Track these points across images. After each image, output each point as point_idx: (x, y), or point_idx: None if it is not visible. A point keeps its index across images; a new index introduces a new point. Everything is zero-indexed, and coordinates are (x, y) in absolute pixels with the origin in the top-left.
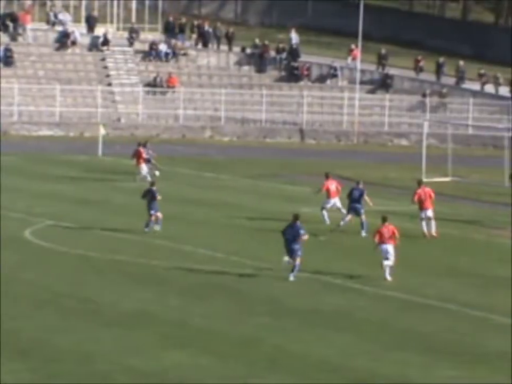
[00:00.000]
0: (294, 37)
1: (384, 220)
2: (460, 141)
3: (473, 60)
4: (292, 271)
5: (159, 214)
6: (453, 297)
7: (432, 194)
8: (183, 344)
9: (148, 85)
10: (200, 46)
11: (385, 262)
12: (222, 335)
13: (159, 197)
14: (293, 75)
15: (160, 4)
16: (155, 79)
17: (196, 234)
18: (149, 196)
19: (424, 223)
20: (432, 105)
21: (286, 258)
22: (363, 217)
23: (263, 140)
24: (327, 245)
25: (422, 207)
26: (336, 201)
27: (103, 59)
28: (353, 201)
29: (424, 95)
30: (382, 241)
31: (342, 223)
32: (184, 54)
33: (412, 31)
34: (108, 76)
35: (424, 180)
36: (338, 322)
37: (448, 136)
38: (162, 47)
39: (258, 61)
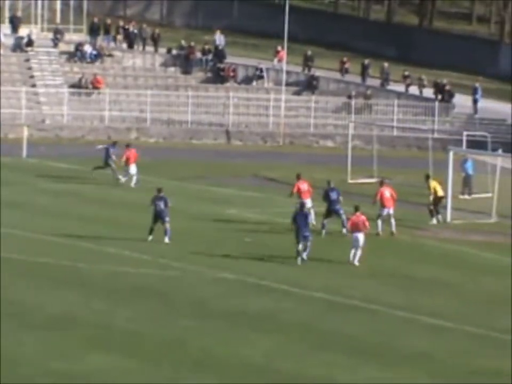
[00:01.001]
0: (220, 38)
1: (356, 209)
2: (385, 142)
3: (398, 61)
4: (298, 255)
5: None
6: (378, 298)
7: (395, 194)
8: (107, 347)
9: (73, 86)
10: (125, 47)
11: (353, 251)
12: (147, 337)
13: (169, 204)
14: (219, 76)
15: (85, 4)
16: (80, 80)
17: (121, 237)
18: (162, 202)
19: (380, 222)
20: (358, 107)
21: (300, 246)
22: (343, 216)
23: (189, 142)
24: (253, 246)
25: (383, 205)
26: (308, 201)
27: (27, 60)
28: (332, 203)
29: (349, 97)
30: (353, 230)
31: (343, 231)
32: (110, 55)
33: (337, 33)
34: (32, 77)
35: (350, 181)
36: (264, 324)
37: (373, 138)
38: (88, 48)
39: (184, 62)
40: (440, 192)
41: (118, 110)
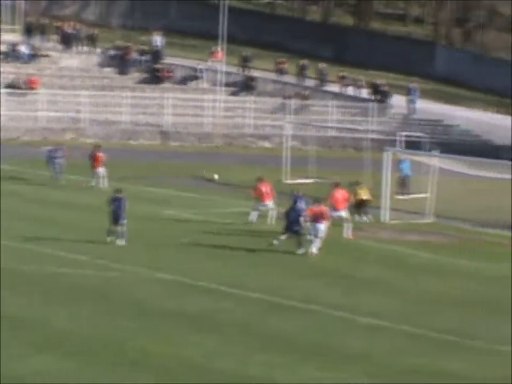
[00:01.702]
0: (158, 39)
1: (317, 201)
2: (322, 143)
3: (334, 62)
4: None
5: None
6: (317, 298)
7: (347, 195)
8: (46, 348)
9: (8, 86)
10: (62, 47)
11: (312, 238)
12: (85, 338)
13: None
14: (155, 77)
15: (20, 4)
16: (15, 80)
17: (58, 238)
18: (117, 203)
19: None
20: (295, 108)
21: (282, 237)
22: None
23: (126, 142)
24: (190, 247)
25: (336, 207)
26: (270, 203)
27: None
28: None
29: (286, 97)
30: (315, 219)
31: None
32: (46, 56)
33: (273, 33)
34: None
35: (287, 181)
36: (203, 324)
37: (310, 138)
38: (23, 48)
39: (121, 62)
40: (364, 196)
41: (54, 111)
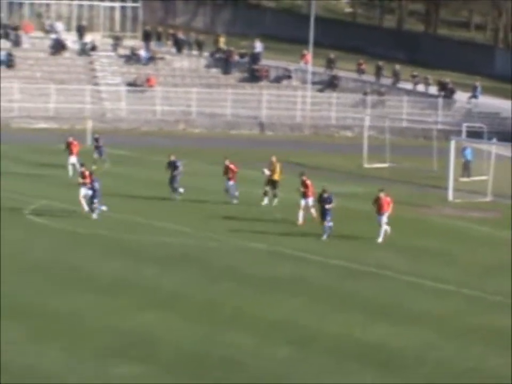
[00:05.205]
0: (258, 44)
1: (380, 191)
2: (396, 133)
3: (407, 63)
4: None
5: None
6: (389, 265)
7: (309, 183)
8: (156, 307)
9: (130, 84)
10: (174, 51)
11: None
12: (189, 298)
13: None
14: (254, 76)
15: (140, 15)
16: (136, 79)
17: (168, 212)
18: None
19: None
20: (372, 102)
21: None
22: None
23: (228, 132)
24: (282, 221)
25: (305, 195)
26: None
27: (91, 62)
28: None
29: (365, 94)
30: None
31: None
32: (161, 58)
33: (354, 38)
34: (95, 77)
35: (366, 165)
36: (290, 287)
37: (386, 129)
38: (142, 52)
39: (225, 64)
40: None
41: (168, 105)
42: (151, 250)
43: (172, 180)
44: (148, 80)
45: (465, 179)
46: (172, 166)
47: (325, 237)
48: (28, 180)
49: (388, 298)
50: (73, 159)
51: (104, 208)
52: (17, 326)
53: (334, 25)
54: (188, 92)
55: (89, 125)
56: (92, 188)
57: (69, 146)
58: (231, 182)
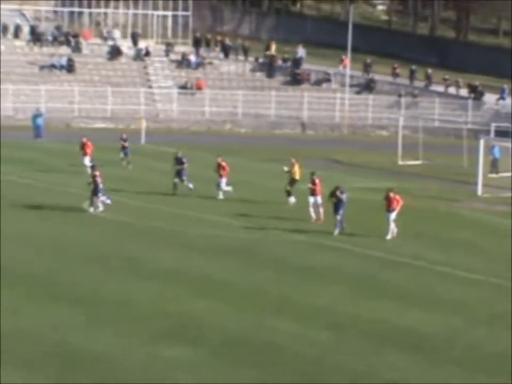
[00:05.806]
0: (300, 50)
1: (390, 190)
2: (428, 132)
3: (439, 67)
4: (336, 227)
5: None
6: (422, 256)
7: (318, 181)
8: (205, 294)
9: (181, 87)
10: (222, 56)
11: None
12: (235, 286)
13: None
14: (296, 80)
15: (190, 22)
16: (186, 83)
17: (217, 206)
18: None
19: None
20: (406, 104)
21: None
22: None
23: (272, 131)
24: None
25: (314, 193)
26: (223, 180)
27: (145, 67)
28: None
29: (400, 96)
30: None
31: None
32: (210, 63)
33: (390, 44)
34: (149, 80)
35: (400, 163)
36: (330, 276)
37: (419, 128)
38: (192, 58)
39: (269, 68)
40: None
41: (216, 107)
42: (202, 242)
43: (178, 174)
44: (197, 83)
45: (493, 175)
46: (178, 161)
47: (336, 232)
48: (85, 176)
49: (421, 287)
50: (86, 160)
51: (108, 201)
52: (78, 311)
53: (370, 31)
54: (234, 94)
55: (144, 124)
56: (95, 183)
57: (83, 147)
58: (223, 179)
